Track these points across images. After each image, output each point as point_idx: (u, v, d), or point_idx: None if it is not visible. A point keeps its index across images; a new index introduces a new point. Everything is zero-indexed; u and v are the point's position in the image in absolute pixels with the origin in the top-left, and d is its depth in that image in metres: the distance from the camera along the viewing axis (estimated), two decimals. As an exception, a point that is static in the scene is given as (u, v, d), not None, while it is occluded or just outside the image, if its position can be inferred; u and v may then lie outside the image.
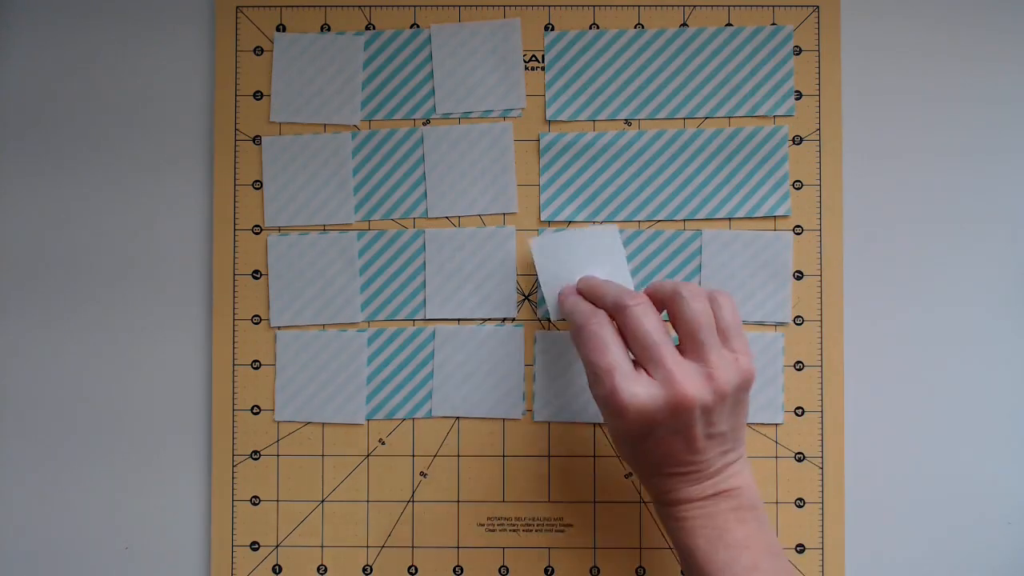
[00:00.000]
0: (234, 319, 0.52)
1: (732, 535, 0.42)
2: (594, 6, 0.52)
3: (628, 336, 0.43)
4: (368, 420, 0.52)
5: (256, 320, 0.52)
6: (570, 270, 0.49)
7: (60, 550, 0.53)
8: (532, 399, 0.52)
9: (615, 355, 0.42)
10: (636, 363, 0.43)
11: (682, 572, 0.44)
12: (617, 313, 0.43)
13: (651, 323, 0.42)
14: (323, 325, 0.52)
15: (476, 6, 0.53)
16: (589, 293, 0.46)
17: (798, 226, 0.52)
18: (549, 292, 0.49)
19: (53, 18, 0.53)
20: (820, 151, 0.52)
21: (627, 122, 0.52)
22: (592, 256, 0.49)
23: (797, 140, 0.52)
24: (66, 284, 0.53)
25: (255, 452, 0.52)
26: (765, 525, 0.43)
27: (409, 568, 0.52)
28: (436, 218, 0.52)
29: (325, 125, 0.53)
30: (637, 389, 0.41)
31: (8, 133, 0.53)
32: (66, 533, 0.53)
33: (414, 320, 0.52)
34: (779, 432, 0.52)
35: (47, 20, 0.53)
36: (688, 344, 0.42)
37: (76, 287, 0.53)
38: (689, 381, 0.41)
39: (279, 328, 0.52)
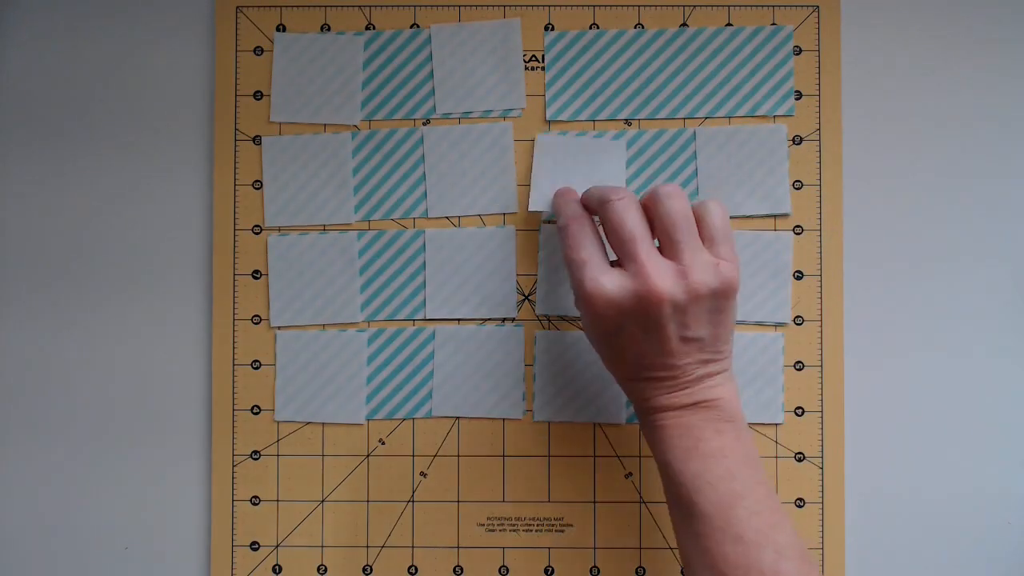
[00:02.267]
0: (234, 319, 0.52)
1: (707, 445, 0.41)
2: (594, 6, 0.52)
3: (609, 232, 0.43)
4: (368, 420, 0.52)
5: (256, 320, 0.52)
6: (566, 172, 0.51)
7: (60, 550, 0.53)
8: (532, 399, 0.52)
9: (589, 250, 0.43)
10: (617, 262, 0.43)
11: (663, 487, 0.44)
12: (600, 208, 0.44)
13: (630, 218, 0.42)
14: (323, 325, 0.52)
15: (476, 6, 0.53)
16: (583, 196, 0.47)
17: (798, 226, 0.52)
18: (537, 185, 0.51)
19: (53, 18, 0.53)
20: (820, 151, 0.52)
21: (627, 122, 0.52)
22: (592, 166, 0.51)
23: (797, 140, 0.52)
24: (66, 284, 0.53)
25: (255, 452, 0.52)
26: (744, 436, 0.42)
27: (409, 568, 0.52)
28: (436, 218, 0.52)
29: (325, 125, 0.53)
30: (604, 279, 0.41)
31: (7, 133, 0.53)
32: (66, 533, 0.53)
33: (414, 320, 0.52)
34: (779, 432, 0.52)
35: (47, 20, 0.53)
36: (665, 244, 0.43)
37: (76, 287, 0.53)
38: (659, 275, 0.41)
39: (279, 328, 0.52)
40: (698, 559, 0.40)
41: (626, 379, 0.44)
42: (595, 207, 0.45)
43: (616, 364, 0.44)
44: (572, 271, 0.43)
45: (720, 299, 0.42)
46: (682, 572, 0.51)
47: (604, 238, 0.45)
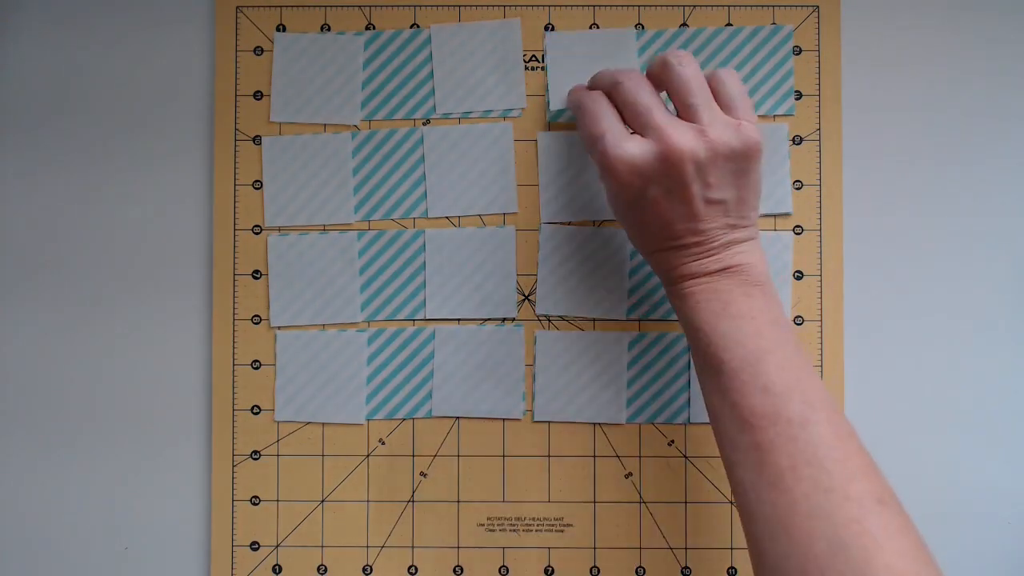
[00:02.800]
0: (234, 319, 0.52)
1: (736, 307, 0.42)
2: (594, 6, 0.52)
3: (624, 110, 0.44)
4: (368, 420, 0.52)
5: (256, 320, 0.52)
6: (580, 67, 0.52)
7: (60, 550, 0.53)
8: (532, 399, 0.52)
9: (608, 121, 0.43)
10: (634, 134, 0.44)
11: (691, 353, 0.44)
12: (612, 91, 0.44)
13: (643, 92, 0.43)
14: (323, 325, 0.52)
15: (476, 6, 0.53)
16: (593, 81, 0.48)
17: (798, 226, 0.52)
18: (554, 84, 0.52)
19: (53, 18, 0.53)
20: (820, 151, 0.52)
21: (627, 122, 0.52)
22: (604, 57, 0.52)
23: (797, 140, 0.52)
24: (66, 284, 0.53)
25: (255, 452, 0.52)
26: (772, 300, 0.43)
27: (409, 568, 0.52)
28: (436, 218, 0.52)
29: (325, 125, 0.53)
30: (627, 145, 0.42)
31: (7, 132, 0.53)
32: (66, 533, 0.53)
33: (414, 320, 0.52)
34: (779, 432, 0.52)
35: (47, 20, 0.53)
36: (682, 110, 0.43)
37: (76, 287, 0.53)
38: (679, 134, 0.41)
39: (279, 328, 0.52)
40: (726, 413, 0.41)
41: (653, 250, 0.45)
42: (607, 89, 0.45)
43: (642, 235, 0.45)
44: (594, 144, 0.43)
45: (743, 160, 0.42)
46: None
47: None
